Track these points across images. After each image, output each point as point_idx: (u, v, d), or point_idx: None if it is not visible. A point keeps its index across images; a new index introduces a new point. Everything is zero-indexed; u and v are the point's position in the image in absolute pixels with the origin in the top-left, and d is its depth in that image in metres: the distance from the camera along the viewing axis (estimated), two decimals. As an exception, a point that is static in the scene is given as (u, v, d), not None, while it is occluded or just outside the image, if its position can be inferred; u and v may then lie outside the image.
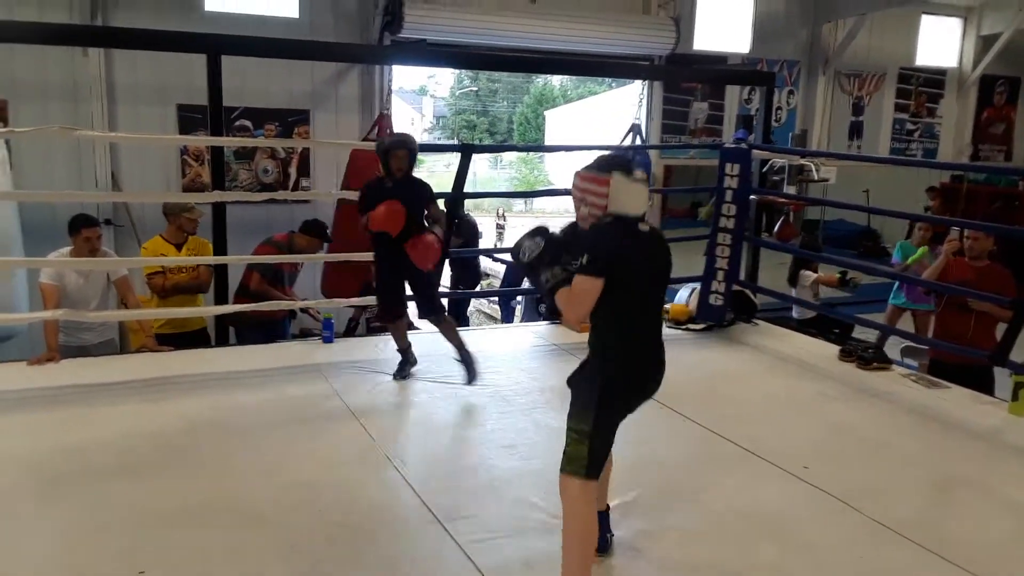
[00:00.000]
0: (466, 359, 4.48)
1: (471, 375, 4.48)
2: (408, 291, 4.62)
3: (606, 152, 2.91)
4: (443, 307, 4.66)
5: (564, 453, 2.56)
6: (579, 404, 2.60)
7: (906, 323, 6.72)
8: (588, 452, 2.52)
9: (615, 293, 2.50)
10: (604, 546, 2.82)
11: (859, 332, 6.78)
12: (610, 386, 2.57)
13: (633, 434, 3.83)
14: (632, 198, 2.59)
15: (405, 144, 4.39)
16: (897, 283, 6.85)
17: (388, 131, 7.41)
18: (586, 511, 2.51)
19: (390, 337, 4.82)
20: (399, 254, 4.36)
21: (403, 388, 4.48)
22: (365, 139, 7.68)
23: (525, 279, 7.07)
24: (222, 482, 3.30)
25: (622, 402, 2.63)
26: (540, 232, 2.67)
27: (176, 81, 7.37)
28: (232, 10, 7.56)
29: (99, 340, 5.08)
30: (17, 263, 5.49)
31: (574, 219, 2.75)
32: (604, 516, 2.85)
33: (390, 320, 4.70)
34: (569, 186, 2.71)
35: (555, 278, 2.57)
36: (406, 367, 4.66)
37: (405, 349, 4.68)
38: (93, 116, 7.19)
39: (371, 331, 6.41)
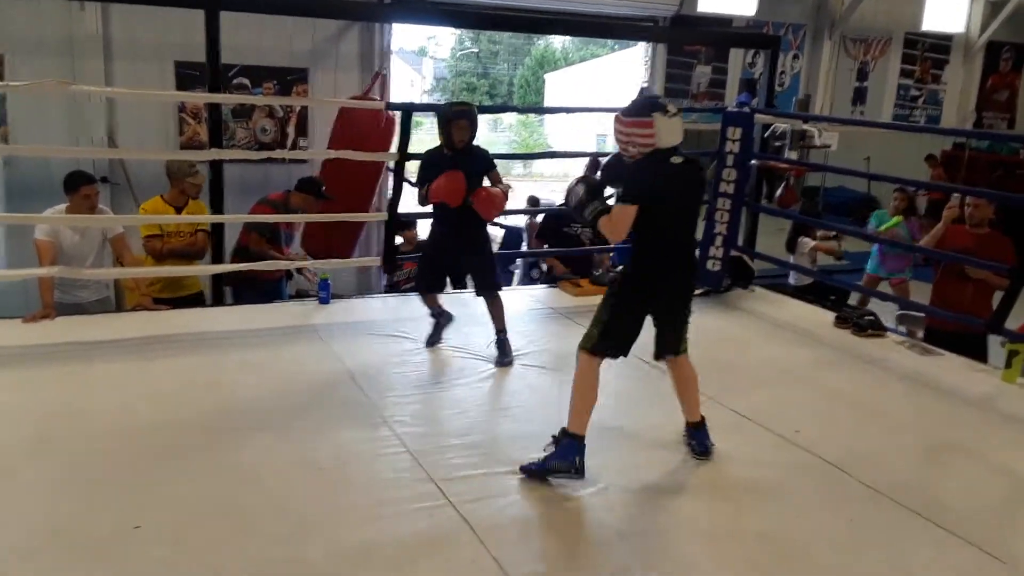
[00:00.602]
0: (503, 341, 4.36)
1: (505, 356, 4.33)
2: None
3: (636, 99, 3.42)
4: (500, 284, 4.52)
5: (585, 332, 3.19)
6: (605, 297, 3.24)
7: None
8: (599, 333, 3.15)
9: (645, 216, 3.04)
10: (706, 451, 3.33)
11: (855, 299, 6.79)
12: (627, 284, 3.19)
13: (631, 400, 3.90)
14: (672, 134, 3.09)
15: (467, 115, 4.20)
16: (875, 251, 6.85)
17: (383, 92, 7.35)
18: (588, 377, 3.14)
19: (389, 297, 4.82)
20: (458, 231, 4.30)
21: (401, 350, 4.48)
22: (361, 97, 7.62)
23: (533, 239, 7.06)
24: (218, 440, 3.31)
25: (638, 300, 3.19)
26: (582, 179, 3.28)
27: (174, 37, 7.28)
28: (230, -35, 7.43)
29: (95, 298, 5.07)
30: (14, 219, 5.46)
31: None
32: (702, 426, 3.37)
33: (423, 292, 4.62)
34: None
35: (595, 210, 3.14)
36: (439, 331, 4.55)
37: (439, 313, 4.57)
38: (89, 72, 7.12)
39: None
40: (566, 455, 3.06)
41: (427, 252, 4.67)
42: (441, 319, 4.57)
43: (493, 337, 4.39)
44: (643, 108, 3.10)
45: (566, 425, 3.11)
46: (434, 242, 4.56)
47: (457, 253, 4.44)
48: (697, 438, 3.36)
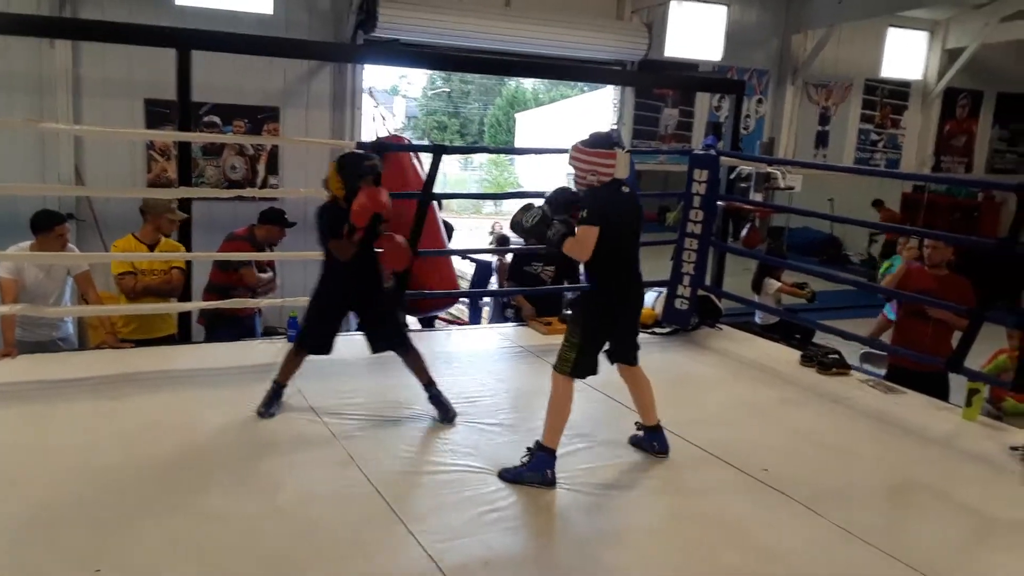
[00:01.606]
0: (437, 396, 4.04)
1: (446, 414, 4.02)
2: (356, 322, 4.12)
3: (595, 131, 3.68)
4: (407, 336, 4.23)
5: (558, 356, 3.48)
6: (573, 321, 3.56)
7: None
8: (575, 356, 3.44)
9: (604, 238, 3.34)
10: (666, 449, 3.72)
11: (819, 338, 6.88)
12: (595, 308, 3.51)
13: (597, 436, 3.90)
14: (626, 167, 3.49)
15: (378, 172, 3.87)
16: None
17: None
18: (564, 398, 3.45)
19: (354, 336, 4.69)
20: (360, 274, 3.93)
21: (367, 389, 4.45)
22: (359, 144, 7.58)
23: (502, 272, 7.08)
24: (183, 481, 3.26)
25: (606, 320, 3.52)
26: (532, 206, 3.59)
27: (144, 75, 7.30)
28: (203, 4, 7.49)
29: (57, 336, 4.99)
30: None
31: (563, 184, 3.83)
32: (659, 429, 3.74)
33: (308, 352, 4.04)
34: (543, 187, 3.90)
35: (558, 232, 3.44)
36: (275, 403, 4.01)
37: (283, 384, 4.06)
38: (58, 108, 7.09)
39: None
40: (540, 467, 3.35)
41: (319, 305, 4.03)
42: (282, 390, 4.08)
43: (423, 394, 4.08)
44: (605, 141, 3.51)
45: (541, 439, 3.39)
46: (327, 292, 3.99)
47: (357, 307, 4.06)
48: (658, 439, 3.73)
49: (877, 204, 11.67)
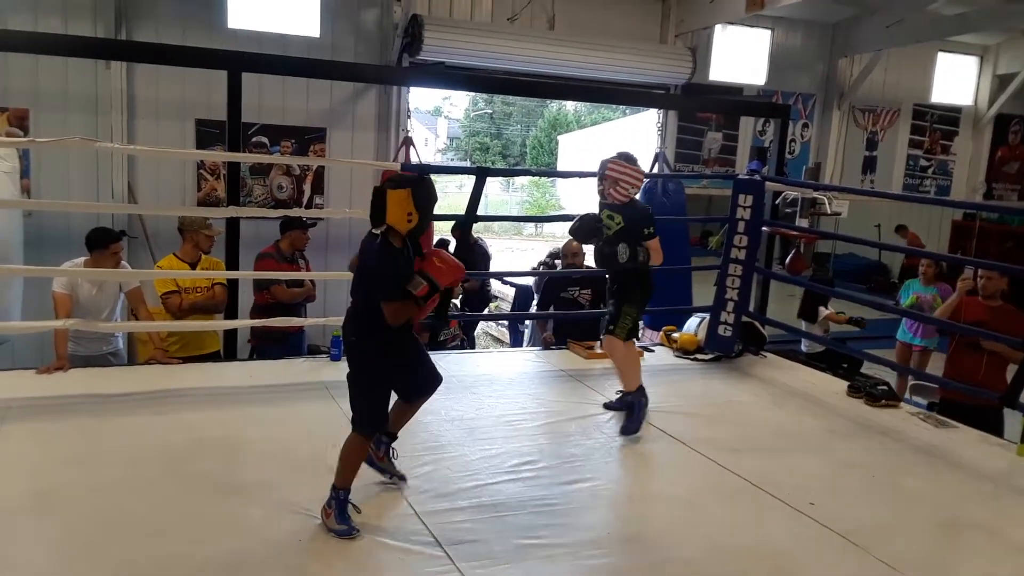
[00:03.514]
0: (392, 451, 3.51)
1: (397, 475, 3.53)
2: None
3: (621, 150, 4.40)
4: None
5: (617, 324, 4.38)
6: (630, 299, 4.40)
7: (914, 359, 6.71)
8: (631, 323, 4.40)
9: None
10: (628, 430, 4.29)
11: (867, 368, 6.76)
12: (646, 290, 4.46)
13: (640, 464, 3.87)
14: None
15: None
16: (904, 319, 6.83)
17: (411, 153, 7.41)
18: (632, 353, 4.54)
19: None
20: (407, 335, 3.31)
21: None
22: (404, 166, 7.65)
23: (539, 301, 7.07)
24: (225, 497, 3.30)
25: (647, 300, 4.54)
26: (615, 240, 4.31)
27: (196, 96, 7.46)
28: (254, 27, 7.65)
29: (108, 350, 5.09)
30: (27, 272, 5.52)
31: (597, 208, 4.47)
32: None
33: (376, 430, 3.30)
34: (585, 209, 4.70)
35: (632, 253, 4.27)
36: (348, 518, 3.08)
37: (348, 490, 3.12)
38: (113, 128, 7.27)
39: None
40: (642, 404, 4.32)
41: (384, 383, 3.22)
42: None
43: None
44: (631, 158, 4.34)
45: (625, 389, 4.39)
46: (391, 365, 3.21)
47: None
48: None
49: (900, 229, 11.45)
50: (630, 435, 4.18)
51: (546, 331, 6.30)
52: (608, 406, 4.64)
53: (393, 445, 3.49)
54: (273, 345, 5.76)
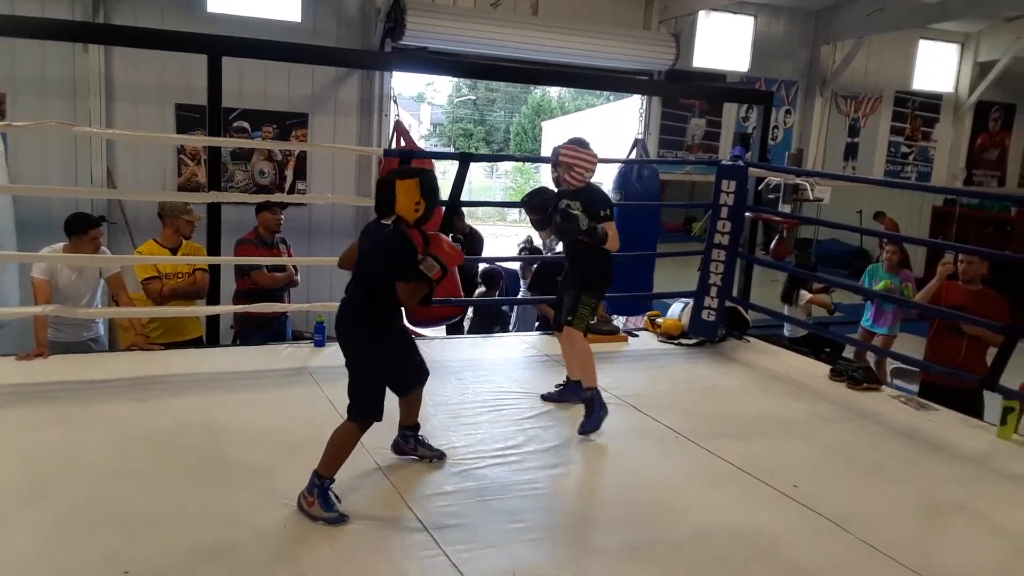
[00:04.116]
0: (422, 440, 3.65)
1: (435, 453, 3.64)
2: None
3: (574, 136, 4.26)
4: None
5: (576, 315, 4.16)
6: (590, 288, 4.20)
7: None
8: (589, 314, 4.22)
9: None
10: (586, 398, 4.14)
11: (849, 352, 6.81)
12: (604, 279, 4.29)
13: (626, 448, 3.88)
14: None
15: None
16: (869, 306, 6.84)
17: (400, 141, 7.33)
18: (588, 348, 4.18)
19: None
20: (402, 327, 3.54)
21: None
22: (386, 151, 7.58)
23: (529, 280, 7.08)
24: (211, 484, 3.28)
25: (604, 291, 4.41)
26: (566, 209, 4.07)
27: (175, 80, 7.37)
28: (235, 12, 7.56)
29: (89, 336, 5.04)
30: (11, 257, 5.45)
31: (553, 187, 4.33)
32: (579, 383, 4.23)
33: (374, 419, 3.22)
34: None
35: (593, 228, 4.03)
36: (334, 506, 3.06)
37: (333, 480, 3.11)
38: (91, 112, 7.18)
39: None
40: (600, 403, 4.04)
41: (387, 370, 3.30)
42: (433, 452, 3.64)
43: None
44: (584, 143, 4.17)
45: (585, 385, 4.07)
46: (391, 352, 3.32)
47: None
48: (576, 392, 4.24)
49: (879, 216, 11.54)
50: (587, 435, 3.97)
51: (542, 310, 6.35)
52: (547, 397, 4.46)
53: (420, 435, 3.62)
54: (255, 331, 5.72)
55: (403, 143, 7.28)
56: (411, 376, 3.52)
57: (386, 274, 3.11)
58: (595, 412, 4.02)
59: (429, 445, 3.63)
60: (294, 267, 5.91)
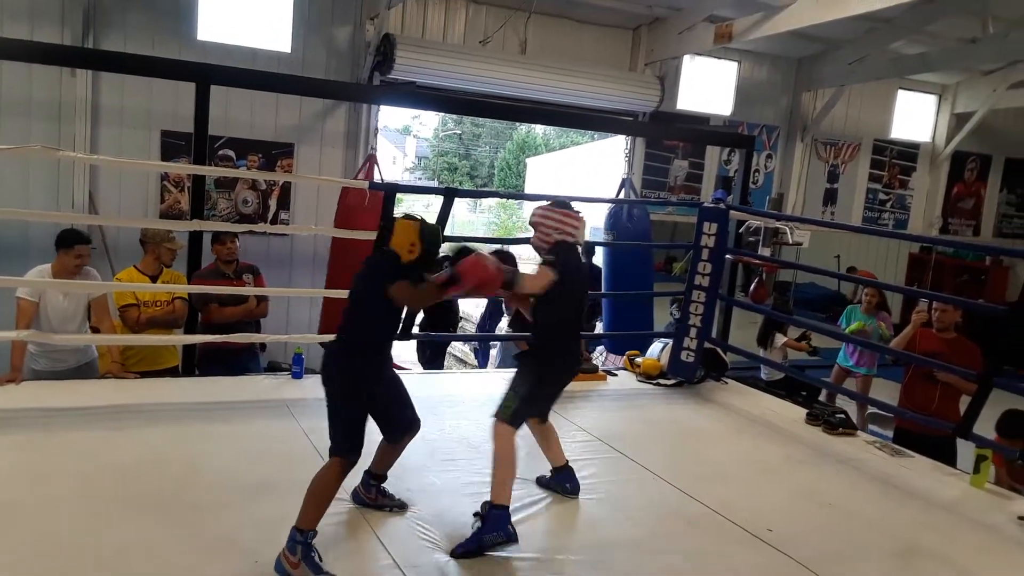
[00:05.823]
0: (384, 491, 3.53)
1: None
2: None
3: (556, 196, 3.97)
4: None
5: (500, 403, 3.43)
6: (525, 371, 3.53)
7: (850, 386, 6.84)
8: (517, 405, 3.41)
9: (558, 292, 3.47)
10: (577, 488, 3.76)
11: (825, 395, 6.85)
12: (550, 366, 3.58)
13: (602, 488, 3.87)
14: (585, 231, 3.69)
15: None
16: (845, 344, 6.96)
17: (371, 173, 7.39)
18: (509, 448, 3.32)
19: None
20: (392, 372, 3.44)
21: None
22: (371, 184, 7.60)
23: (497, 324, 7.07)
24: (182, 515, 3.23)
25: (556, 380, 3.66)
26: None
27: (162, 106, 7.38)
28: (225, 40, 7.60)
29: (78, 363, 4.96)
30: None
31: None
32: (570, 469, 3.78)
33: (354, 455, 3.15)
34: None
35: (512, 270, 3.49)
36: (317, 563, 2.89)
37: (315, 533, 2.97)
38: (76, 136, 7.16)
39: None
40: (498, 527, 3.14)
41: (381, 405, 3.29)
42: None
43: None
44: (569, 205, 3.67)
45: (490, 499, 3.24)
46: (381, 387, 3.28)
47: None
48: (569, 479, 3.76)
49: (852, 271, 11.66)
50: (457, 557, 3.09)
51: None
52: (542, 482, 3.84)
53: (383, 485, 3.49)
54: (213, 365, 5.38)
55: (376, 175, 7.31)
56: (407, 423, 3.43)
57: (373, 287, 3.09)
58: (485, 530, 3.15)
59: (391, 495, 3.52)
60: (265, 297, 5.67)
